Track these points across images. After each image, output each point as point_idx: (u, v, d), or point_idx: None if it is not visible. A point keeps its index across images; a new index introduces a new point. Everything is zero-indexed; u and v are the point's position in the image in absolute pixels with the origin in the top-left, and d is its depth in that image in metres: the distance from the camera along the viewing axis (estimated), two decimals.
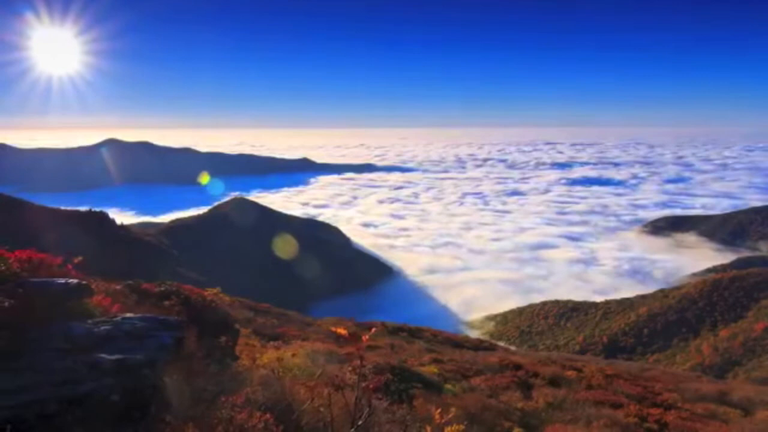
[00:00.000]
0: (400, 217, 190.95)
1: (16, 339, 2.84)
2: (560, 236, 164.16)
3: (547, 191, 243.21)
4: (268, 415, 5.93)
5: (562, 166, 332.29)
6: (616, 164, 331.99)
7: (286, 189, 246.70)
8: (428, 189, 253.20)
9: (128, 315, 3.74)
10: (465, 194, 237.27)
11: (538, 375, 19.59)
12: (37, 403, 2.28)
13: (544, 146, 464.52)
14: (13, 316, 2.97)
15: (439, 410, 3.10)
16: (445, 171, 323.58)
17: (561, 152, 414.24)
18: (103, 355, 2.91)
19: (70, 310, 3.47)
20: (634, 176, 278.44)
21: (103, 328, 3.31)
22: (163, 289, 13.03)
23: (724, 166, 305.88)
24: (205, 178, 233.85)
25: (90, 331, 3.23)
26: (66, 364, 2.72)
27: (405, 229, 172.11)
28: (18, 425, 2.34)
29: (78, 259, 4.83)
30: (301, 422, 7.98)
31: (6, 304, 2.92)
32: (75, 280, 3.68)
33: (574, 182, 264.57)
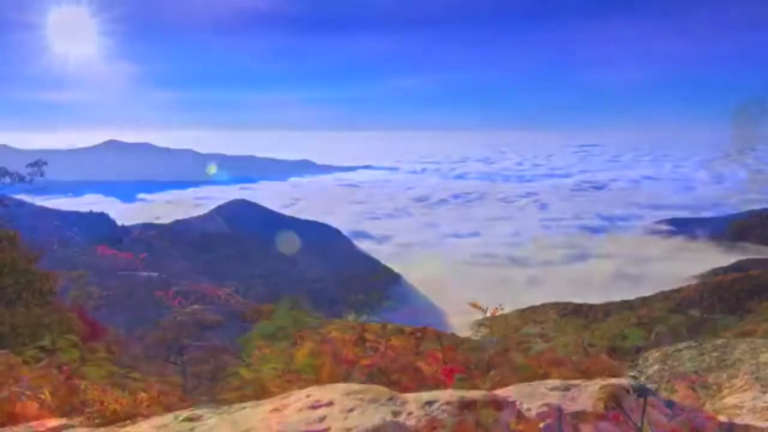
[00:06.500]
0: (402, 219, 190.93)
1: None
2: (560, 238, 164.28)
3: (546, 192, 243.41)
4: None
5: (559, 167, 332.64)
6: (615, 166, 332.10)
7: (287, 190, 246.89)
8: (428, 191, 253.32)
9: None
10: (465, 196, 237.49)
11: None
12: None
13: (543, 148, 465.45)
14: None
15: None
16: (446, 174, 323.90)
17: (557, 155, 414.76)
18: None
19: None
20: (634, 177, 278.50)
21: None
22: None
23: (727, 167, 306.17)
24: (212, 169, 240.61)
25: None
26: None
27: (407, 232, 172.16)
28: None
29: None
30: None
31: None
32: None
33: (573, 184, 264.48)
